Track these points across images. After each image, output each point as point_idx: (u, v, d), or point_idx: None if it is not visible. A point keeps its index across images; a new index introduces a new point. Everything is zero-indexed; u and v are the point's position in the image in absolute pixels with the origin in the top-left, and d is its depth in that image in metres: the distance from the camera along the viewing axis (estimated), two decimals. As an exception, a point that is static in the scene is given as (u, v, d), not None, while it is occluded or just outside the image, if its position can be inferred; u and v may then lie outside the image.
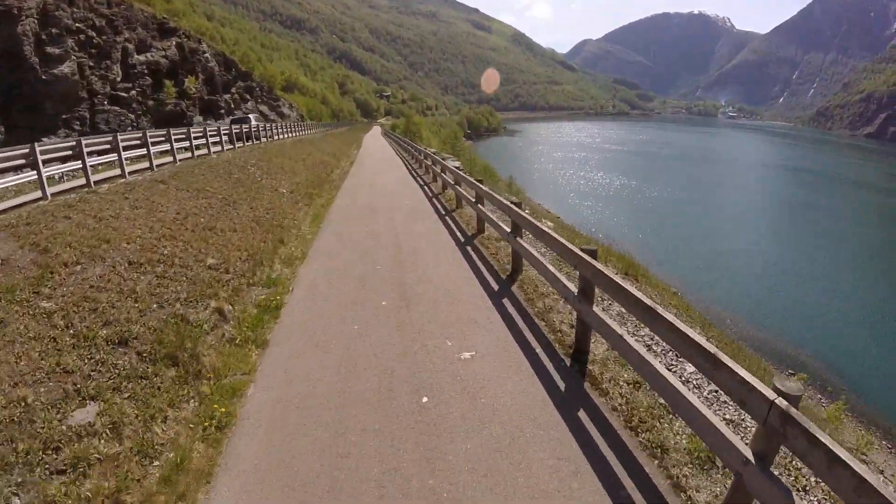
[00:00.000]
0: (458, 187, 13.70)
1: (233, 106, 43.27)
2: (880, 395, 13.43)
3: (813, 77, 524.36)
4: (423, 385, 4.79)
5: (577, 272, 5.30)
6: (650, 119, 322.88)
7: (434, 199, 15.74)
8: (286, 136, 34.79)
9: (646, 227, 31.69)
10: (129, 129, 27.55)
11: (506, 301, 6.94)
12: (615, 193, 44.44)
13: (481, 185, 10.70)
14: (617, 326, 4.62)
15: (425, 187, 18.42)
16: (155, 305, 6.04)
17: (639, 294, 4.14)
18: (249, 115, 35.53)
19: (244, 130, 23.90)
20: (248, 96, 49.08)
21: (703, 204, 41.48)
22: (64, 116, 25.51)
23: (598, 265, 4.87)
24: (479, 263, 8.72)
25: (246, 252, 8.75)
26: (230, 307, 6.56)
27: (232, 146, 21.19)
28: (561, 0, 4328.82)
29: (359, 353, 5.43)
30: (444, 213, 13.50)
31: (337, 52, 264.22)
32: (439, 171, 17.47)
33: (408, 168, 25.48)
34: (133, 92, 29.79)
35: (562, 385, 4.85)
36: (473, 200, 11.10)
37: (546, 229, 6.49)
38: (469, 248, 9.79)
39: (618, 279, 4.52)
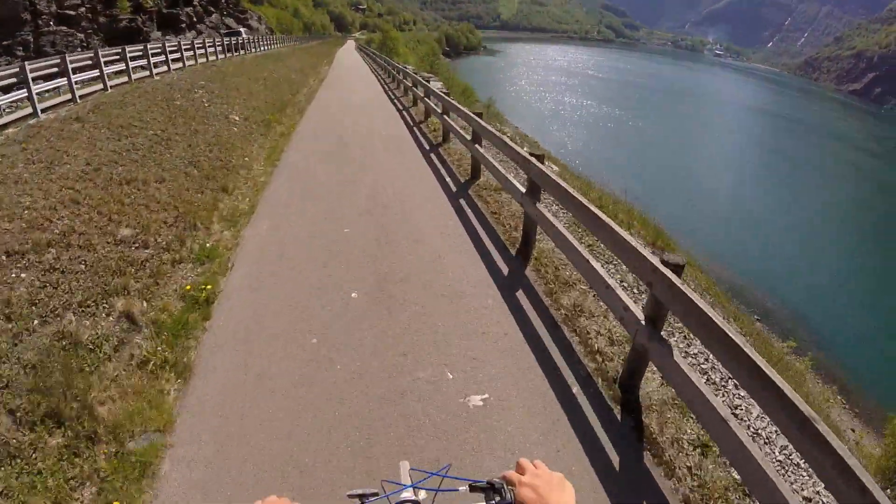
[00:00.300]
0: (446, 118, 11.65)
1: (195, 20, 38.67)
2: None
3: (805, 26, 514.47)
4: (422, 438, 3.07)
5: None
6: (634, 49, 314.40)
7: (415, 129, 13.63)
8: (252, 51, 31.81)
9: (625, 161, 30.34)
10: (79, 49, 24.18)
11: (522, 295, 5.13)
12: (595, 123, 42.62)
13: (480, 121, 8.61)
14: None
15: (404, 112, 16.19)
16: (37, 321, 4.08)
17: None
18: (241, 29, 36.03)
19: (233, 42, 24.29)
20: (212, 9, 43.97)
21: (682, 143, 40.18)
22: (4, 42, 22.24)
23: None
24: (481, 231, 6.75)
25: (175, 211, 6.60)
26: (144, 305, 4.61)
27: (182, 66, 18.05)
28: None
29: (316, 395, 3.61)
30: (428, 148, 11.46)
31: None
32: (422, 94, 15.11)
33: (383, 88, 22.97)
34: (82, 9, 25.97)
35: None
36: (469, 139, 9.08)
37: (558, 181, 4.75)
38: (463, 202, 7.82)
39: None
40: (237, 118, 12.09)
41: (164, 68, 16.68)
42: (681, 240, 15.92)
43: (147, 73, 15.14)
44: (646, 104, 59.02)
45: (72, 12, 25.37)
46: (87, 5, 26.65)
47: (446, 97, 11.76)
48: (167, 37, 32.43)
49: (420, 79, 16.41)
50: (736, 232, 21.60)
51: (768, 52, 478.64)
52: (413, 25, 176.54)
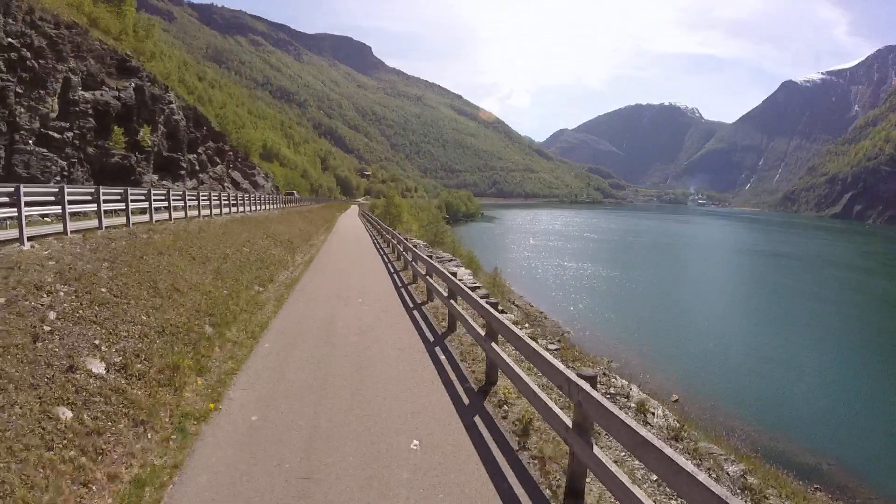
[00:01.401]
0: (495, 348, 6.69)
1: (198, 168, 36.44)
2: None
3: (778, 162, 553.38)
4: None
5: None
6: (623, 207, 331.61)
7: (440, 349, 8.50)
8: (242, 209, 27.95)
9: (622, 317, 29.60)
10: (57, 178, 21.13)
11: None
12: (590, 282, 41.42)
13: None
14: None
15: (423, 327, 10.46)
16: None
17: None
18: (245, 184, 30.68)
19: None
20: (217, 159, 42.46)
21: (676, 293, 40.27)
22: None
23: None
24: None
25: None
26: None
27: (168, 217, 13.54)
28: (539, 91, 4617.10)
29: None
30: (470, 397, 6.72)
31: (322, 128, 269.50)
32: (445, 294, 10.20)
33: (388, 270, 18.04)
34: (69, 134, 22.58)
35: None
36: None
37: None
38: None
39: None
40: (101, 368, 5.91)
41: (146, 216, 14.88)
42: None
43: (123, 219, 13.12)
44: (640, 259, 60.78)
45: (56, 135, 21.59)
46: (77, 130, 23.10)
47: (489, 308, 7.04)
48: (164, 181, 29.56)
49: (444, 271, 11.71)
50: (734, 373, 20.97)
51: (747, 194, 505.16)
52: (415, 192, 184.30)
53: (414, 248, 16.18)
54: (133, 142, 26.96)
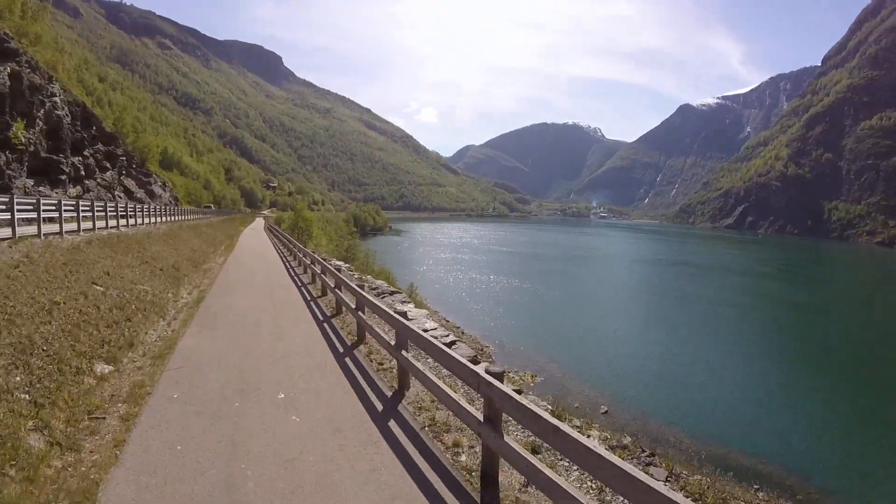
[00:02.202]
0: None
1: (83, 173, 30.22)
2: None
3: (675, 178, 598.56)
4: None
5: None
6: (528, 220, 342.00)
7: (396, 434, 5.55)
8: (115, 223, 21.33)
9: (541, 330, 28.97)
10: None
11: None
12: (505, 295, 40.82)
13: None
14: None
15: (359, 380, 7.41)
16: None
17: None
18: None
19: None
20: (108, 164, 35.99)
21: (592, 302, 41.74)
22: None
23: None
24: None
25: None
26: None
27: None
28: (447, 107, 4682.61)
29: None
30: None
31: (228, 137, 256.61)
32: (393, 344, 7.08)
33: (312, 311, 13.34)
34: None
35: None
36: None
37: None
38: None
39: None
40: None
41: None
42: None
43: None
44: (551, 271, 61.47)
45: None
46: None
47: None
48: (41, 187, 23.66)
49: (389, 310, 8.55)
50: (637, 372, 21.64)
51: (646, 207, 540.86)
52: (322, 205, 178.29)
53: (337, 272, 12.74)
54: (3, 138, 21.44)
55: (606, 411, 15.80)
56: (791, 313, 40.24)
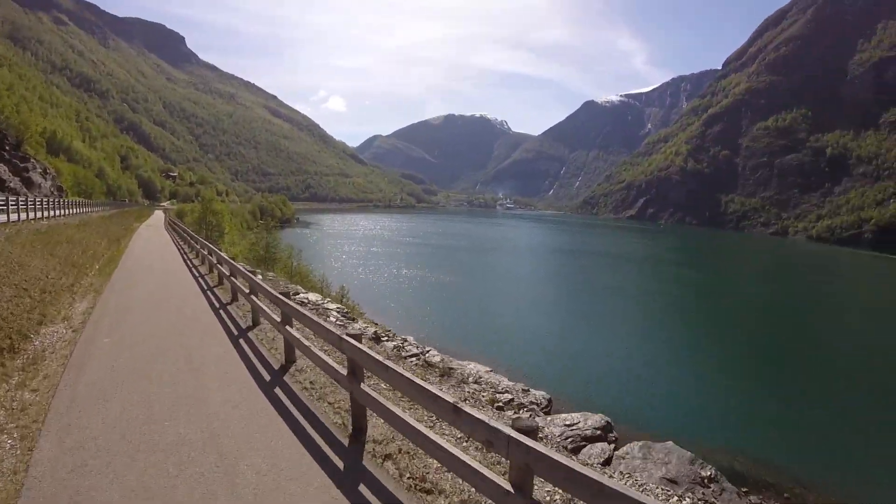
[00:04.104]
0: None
1: None
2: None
3: (578, 171, 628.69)
4: None
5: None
6: (436, 211, 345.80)
7: None
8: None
9: (467, 325, 29.91)
10: None
11: None
12: (425, 289, 41.68)
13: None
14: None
15: None
16: None
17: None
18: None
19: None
20: None
21: (510, 292, 43.54)
22: None
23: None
24: None
25: None
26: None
27: None
28: (356, 96, 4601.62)
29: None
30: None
31: (125, 122, 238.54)
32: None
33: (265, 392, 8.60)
34: None
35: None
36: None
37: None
38: None
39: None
40: None
41: None
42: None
43: None
44: (466, 262, 63.66)
45: None
46: None
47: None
48: None
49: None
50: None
51: (551, 199, 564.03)
52: (226, 196, 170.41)
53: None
54: None
55: (550, 399, 15.11)
56: (703, 298, 44.97)
